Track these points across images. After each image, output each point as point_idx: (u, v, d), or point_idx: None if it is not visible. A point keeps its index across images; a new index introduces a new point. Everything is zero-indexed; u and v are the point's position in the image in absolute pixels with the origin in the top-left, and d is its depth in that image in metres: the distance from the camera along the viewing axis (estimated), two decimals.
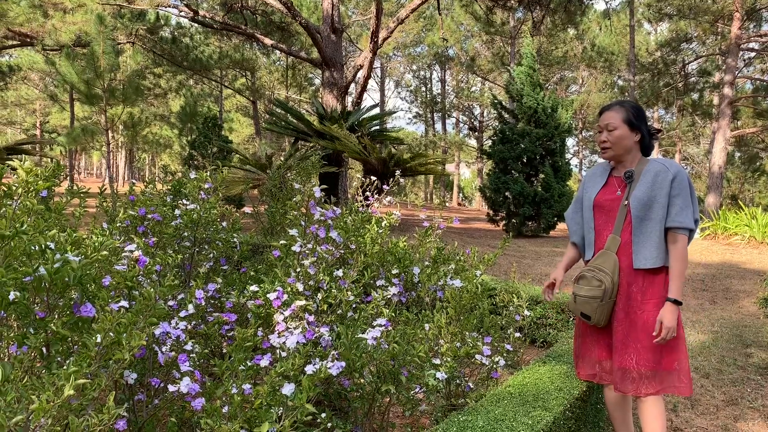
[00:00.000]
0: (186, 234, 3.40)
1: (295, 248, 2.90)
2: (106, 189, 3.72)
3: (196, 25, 22.33)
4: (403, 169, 11.44)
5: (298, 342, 2.59)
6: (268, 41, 16.05)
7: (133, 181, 3.91)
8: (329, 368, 2.30)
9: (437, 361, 2.71)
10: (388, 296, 3.42)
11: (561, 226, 17.71)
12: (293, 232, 2.97)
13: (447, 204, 40.04)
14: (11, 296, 1.98)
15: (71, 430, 1.71)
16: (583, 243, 2.67)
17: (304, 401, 2.12)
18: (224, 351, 3.02)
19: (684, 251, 2.33)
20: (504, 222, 13.89)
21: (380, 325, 2.76)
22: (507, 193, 13.53)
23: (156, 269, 2.40)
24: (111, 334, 1.88)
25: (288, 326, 2.78)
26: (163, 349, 2.39)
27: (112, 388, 2.10)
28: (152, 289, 1.93)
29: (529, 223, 13.70)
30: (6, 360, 2.10)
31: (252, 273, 3.44)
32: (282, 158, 14.27)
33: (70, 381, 1.67)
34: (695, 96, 26.63)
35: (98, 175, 55.90)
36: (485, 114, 38.12)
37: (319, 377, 2.21)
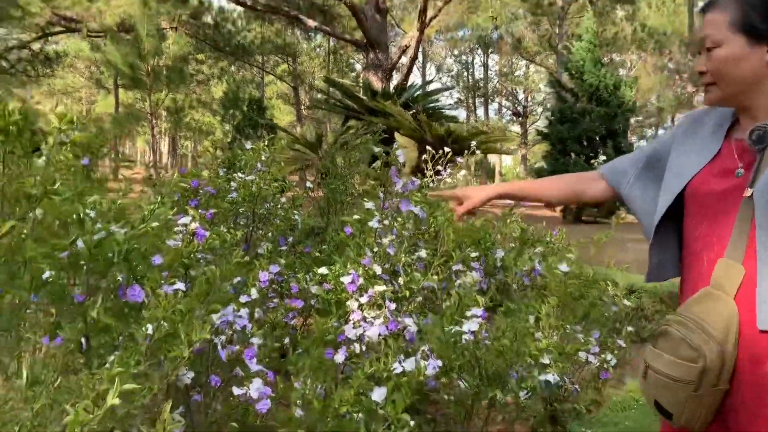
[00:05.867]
0: (242, 210, 3.02)
1: (373, 224, 2.48)
2: (152, 166, 3.37)
3: (238, 9, 22.14)
4: (461, 148, 10.96)
5: (380, 334, 2.18)
6: (311, 23, 15.78)
7: (182, 170, 3.48)
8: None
9: (546, 360, 2.26)
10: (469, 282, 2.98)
11: (622, 212, 16.84)
12: (369, 205, 2.54)
13: None
14: (44, 275, 1.61)
15: None
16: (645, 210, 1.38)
17: (399, 411, 1.70)
18: (286, 342, 2.64)
19: None
20: (561, 207, 13.24)
21: (476, 316, 2.31)
22: None
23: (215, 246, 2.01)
24: (165, 324, 1.48)
25: (365, 315, 2.37)
26: (222, 340, 2.00)
27: (164, 390, 1.71)
28: (214, 267, 1.52)
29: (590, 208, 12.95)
30: (40, 355, 1.73)
31: (316, 254, 3.05)
32: (330, 139, 13.95)
33: (114, 385, 1.27)
34: None
35: (142, 162, 56.91)
36: (529, 99, 37.28)
37: (416, 379, 1.78)
